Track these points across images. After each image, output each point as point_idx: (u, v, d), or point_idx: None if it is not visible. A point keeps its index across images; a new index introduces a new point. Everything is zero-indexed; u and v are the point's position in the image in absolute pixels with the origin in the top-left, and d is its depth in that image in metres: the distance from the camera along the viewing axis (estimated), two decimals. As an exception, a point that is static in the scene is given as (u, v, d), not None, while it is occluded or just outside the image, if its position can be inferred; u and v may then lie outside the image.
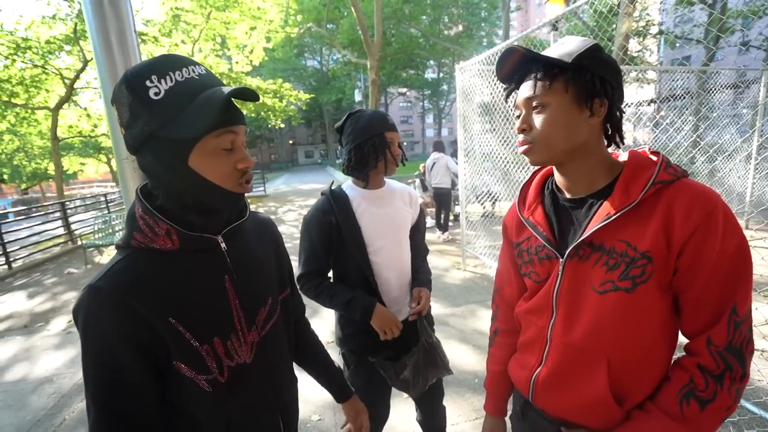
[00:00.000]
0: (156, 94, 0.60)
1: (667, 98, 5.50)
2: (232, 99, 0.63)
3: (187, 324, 0.66)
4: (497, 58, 0.76)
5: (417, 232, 1.50)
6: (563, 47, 0.73)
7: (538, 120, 0.74)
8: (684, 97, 5.26)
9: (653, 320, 0.71)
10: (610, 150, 0.80)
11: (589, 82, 0.70)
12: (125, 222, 0.68)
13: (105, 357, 0.61)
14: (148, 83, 0.60)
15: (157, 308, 0.63)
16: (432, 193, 6.42)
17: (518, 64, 0.76)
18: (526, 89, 0.75)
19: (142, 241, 0.65)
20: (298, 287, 1.40)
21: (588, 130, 0.73)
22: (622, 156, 0.78)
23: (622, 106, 0.78)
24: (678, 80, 5.48)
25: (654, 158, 0.73)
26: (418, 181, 7.83)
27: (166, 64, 0.62)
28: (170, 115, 0.60)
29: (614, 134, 0.77)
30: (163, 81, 0.60)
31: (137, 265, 0.64)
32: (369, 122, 1.31)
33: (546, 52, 0.75)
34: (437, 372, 1.41)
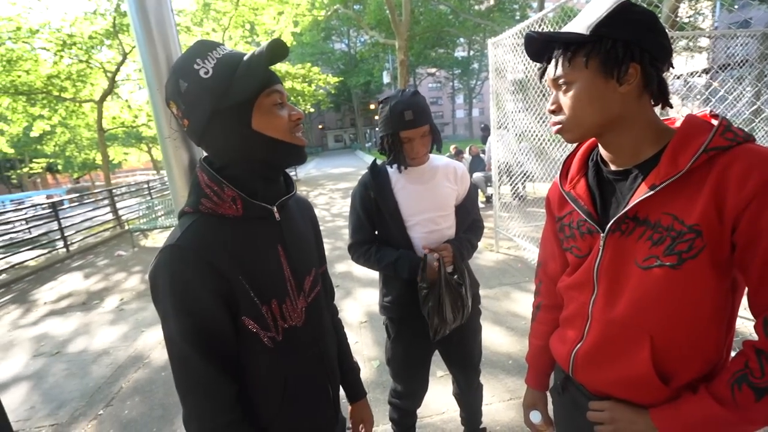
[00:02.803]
0: (206, 73, 0.66)
1: (723, 67, 5.03)
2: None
3: (251, 283, 0.72)
4: (524, 43, 0.74)
5: (462, 209, 1.47)
6: (587, 16, 0.68)
7: (565, 99, 0.71)
8: (744, 65, 4.77)
9: (703, 299, 0.66)
10: (665, 116, 0.74)
11: (611, 52, 0.65)
12: (190, 190, 0.74)
13: (196, 306, 0.66)
14: (195, 66, 0.66)
15: (229, 266, 0.69)
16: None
17: (542, 45, 0.73)
18: (551, 70, 0.73)
19: (209, 206, 0.70)
20: (351, 255, 1.49)
21: (621, 100, 0.68)
22: (679, 121, 0.72)
23: (672, 78, 0.71)
24: (737, 46, 4.99)
25: (714, 123, 0.66)
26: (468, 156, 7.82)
27: (203, 48, 0.68)
28: (224, 86, 0.66)
29: (658, 95, 0.70)
30: (206, 61, 0.66)
31: (208, 228, 0.70)
32: (386, 119, 1.31)
33: (570, 23, 0.71)
34: (456, 314, 1.36)
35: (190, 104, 0.67)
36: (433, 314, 1.34)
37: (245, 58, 0.68)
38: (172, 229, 0.72)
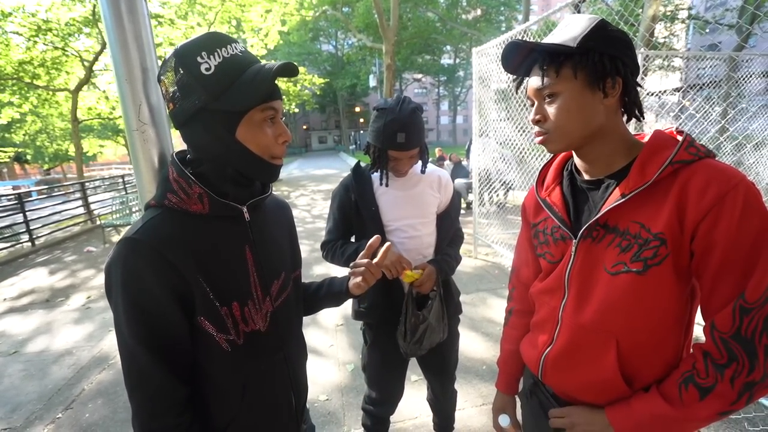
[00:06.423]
0: (207, 69, 0.63)
1: (694, 86, 5.26)
2: None
3: (211, 283, 0.69)
4: (501, 53, 0.74)
5: (445, 217, 1.47)
6: (567, 30, 0.70)
7: (551, 109, 0.72)
8: (713, 86, 5.01)
9: (666, 304, 0.69)
10: (635, 130, 0.76)
11: (598, 64, 0.67)
12: (158, 184, 0.72)
13: (146, 302, 0.64)
14: (199, 59, 0.63)
15: (187, 263, 0.66)
16: None
17: (523, 56, 0.74)
18: (536, 80, 0.73)
19: (175, 202, 0.68)
20: (322, 253, 1.48)
21: (604, 111, 0.71)
22: (648, 136, 0.75)
23: (645, 94, 0.74)
24: (707, 68, 5.23)
25: (679, 138, 0.69)
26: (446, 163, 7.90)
27: (213, 41, 0.65)
28: (220, 89, 0.64)
29: (633, 108, 0.73)
30: (212, 57, 0.64)
31: (170, 223, 0.67)
32: (377, 132, 1.27)
33: (550, 37, 0.72)
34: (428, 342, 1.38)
35: (180, 91, 0.65)
36: (400, 336, 1.36)
37: (252, 68, 0.65)
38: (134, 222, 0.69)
